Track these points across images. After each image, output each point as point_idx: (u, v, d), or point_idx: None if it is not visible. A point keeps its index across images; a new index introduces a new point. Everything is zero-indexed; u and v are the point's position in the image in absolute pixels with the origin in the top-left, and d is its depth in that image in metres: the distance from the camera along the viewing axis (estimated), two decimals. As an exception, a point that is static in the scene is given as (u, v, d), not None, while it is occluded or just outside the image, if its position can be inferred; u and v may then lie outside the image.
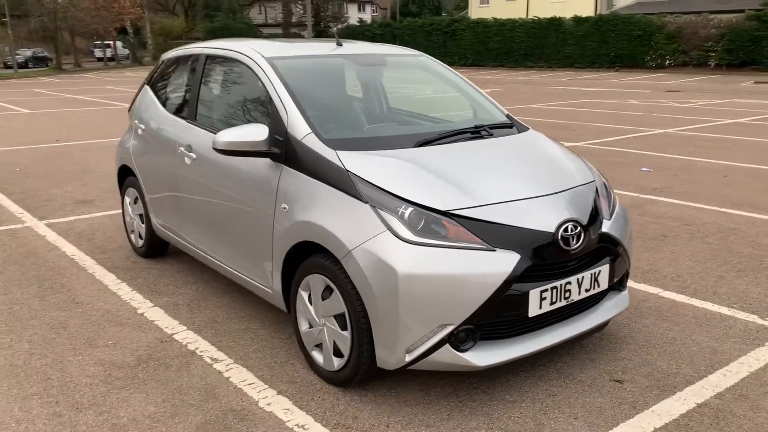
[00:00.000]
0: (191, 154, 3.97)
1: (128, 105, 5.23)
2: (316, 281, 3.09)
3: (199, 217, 4.01)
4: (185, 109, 4.23)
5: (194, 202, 4.03)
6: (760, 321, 3.80)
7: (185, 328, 3.79)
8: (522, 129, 3.81)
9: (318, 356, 3.20)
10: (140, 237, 4.97)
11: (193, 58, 4.33)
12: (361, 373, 2.96)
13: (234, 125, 3.75)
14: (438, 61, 4.41)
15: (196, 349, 3.53)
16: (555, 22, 33.50)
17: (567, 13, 34.47)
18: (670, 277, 4.53)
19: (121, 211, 5.42)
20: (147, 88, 4.84)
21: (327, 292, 3.05)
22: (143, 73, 35.64)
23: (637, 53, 30.86)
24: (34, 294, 4.33)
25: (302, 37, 49.69)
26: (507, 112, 4.03)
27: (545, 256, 2.86)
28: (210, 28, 50.21)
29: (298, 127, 3.27)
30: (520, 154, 3.47)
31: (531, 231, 2.85)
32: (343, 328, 2.98)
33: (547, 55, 34.07)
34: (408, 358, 2.77)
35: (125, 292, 4.35)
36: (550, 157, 3.46)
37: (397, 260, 2.70)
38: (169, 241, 4.65)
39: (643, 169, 8.33)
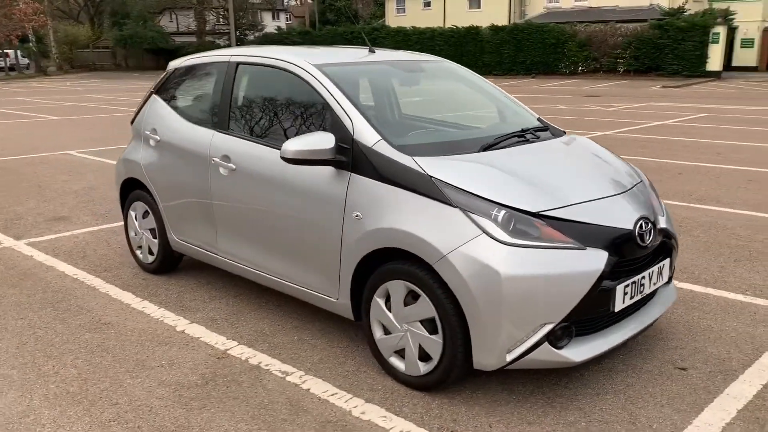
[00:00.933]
0: (229, 164, 3.87)
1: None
2: (397, 287, 3.09)
3: (240, 230, 3.91)
4: (214, 119, 4.11)
5: (233, 214, 3.92)
6: (777, 306, 4.10)
7: (236, 343, 3.68)
8: (558, 132, 3.95)
9: (398, 363, 3.20)
10: (150, 253, 4.77)
11: (218, 66, 4.21)
12: (454, 376, 2.99)
13: (282, 134, 3.71)
14: (461, 66, 4.50)
15: (259, 363, 3.44)
16: (473, 31, 34.45)
17: (483, 22, 35.51)
18: (678, 269, 4.80)
19: (123, 225, 5.17)
20: (157, 97, 4.66)
21: (410, 297, 3.06)
22: (51, 84, 33.84)
23: (551, 60, 32.21)
24: (53, 317, 4.07)
25: (219, 45, 48.68)
26: (538, 116, 4.17)
27: (625, 253, 3.00)
28: (119, 36, 48.36)
29: (367, 135, 3.26)
30: (576, 155, 3.60)
31: (613, 229, 2.98)
32: (432, 332, 3.00)
33: (467, 63, 34.83)
34: (509, 358, 2.83)
35: (152, 310, 4.17)
36: (603, 159, 3.62)
37: (499, 262, 2.75)
38: (191, 256, 4.49)
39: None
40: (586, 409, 2.96)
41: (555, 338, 2.85)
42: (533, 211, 2.89)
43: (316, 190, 3.40)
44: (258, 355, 3.53)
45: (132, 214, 4.87)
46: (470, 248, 2.80)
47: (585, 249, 2.87)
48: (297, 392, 3.14)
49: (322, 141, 3.25)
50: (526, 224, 2.85)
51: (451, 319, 2.88)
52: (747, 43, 33.74)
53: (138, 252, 4.91)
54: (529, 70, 32.75)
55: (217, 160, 3.95)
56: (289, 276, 3.68)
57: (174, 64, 4.69)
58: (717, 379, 3.22)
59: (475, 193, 2.92)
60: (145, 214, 4.73)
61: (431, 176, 3.01)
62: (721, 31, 28.49)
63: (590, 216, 2.98)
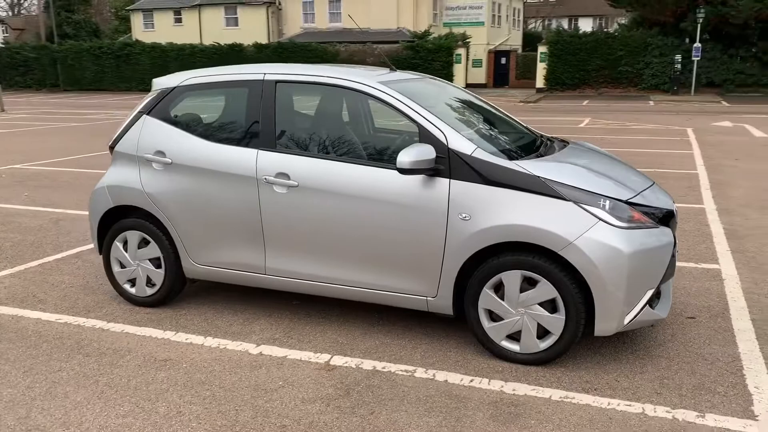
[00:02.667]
0: (289, 182, 3.88)
1: None
2: (513, 277, 3.51)
3: (302, 245, 3.92)
4: (254, 138, 4.03)
5: (293, 231, 3.92)
6: (699, 265, 5.30)
7: (328, 354, 3.73)
8: (556, 140, 4.65)
9: (511, 345, 3.61)
10: (149, 284, 4.43)
11: (247, 84, 4.11)
12: (570, 347, 3.50)
13: (360, 148, 3.88)
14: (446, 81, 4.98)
15: (374, 367, 3.57)
16: (236, 48, 34.38)
17: (242, 40, 35.60)
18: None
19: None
20: (152, 119, 4.34)
21: (526, 284, 3.51)
22: None
23: (317, 78, 33.52)
24: (97, 363, 3.66)
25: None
26: (526, 125, 4.84)
27: (672, 228, 3.80)
28: None
29: (463, 145, 3.62)
30: (606, 156, 4.31)
31: (666, 210, 3.76)
32: (552, 311, 3.48)
33: (232, 80, 34.74)
34: (626, 321, 3.44)
35: (201, 340, 3.96)
36: (618, 159, 4.40)
37: (620, 243, 3.35)
38: (216, 280, 4.30)
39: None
40: (666, 356, 3.69)
41: (651, 300, 3.53)
42: (624, 199, 3.55)
43: (410, 198, 3.64)
44: (363, 361, 3.65)
45: (118, 245, 4.46)
46: (593, 234, 3.36)
47: (658, 227, 3.60)
48: (439, 385, 3.38)
49: (428, 152, 3.54)
50: (623, 211, 3.49)
51: (575, 296, 3.40)
52: (477, 63, 38.67)
53: (127, 286, 4.51)
54: (296, 88, 33.68)
55: (270, 178, 3.93)
56: (370, 283, 3.83)
57: (170, 82, 4.41)
58: (719, 320, 4.19)
59: (581, 188, 3.48)
60: (143, 244, 4.39)
61: (538, 176, 3.50)
62: (462, 52, 32.47)
63: (650, 201, 3.72)
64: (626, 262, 3.34)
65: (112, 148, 4.52)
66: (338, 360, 3.67)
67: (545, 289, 3.46)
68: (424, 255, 3.67)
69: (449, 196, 3.59)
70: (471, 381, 3.43)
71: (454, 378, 3.45)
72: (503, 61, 38.53)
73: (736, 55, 27.73)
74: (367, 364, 3.61)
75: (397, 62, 32.30)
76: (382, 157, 3.87)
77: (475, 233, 3.53)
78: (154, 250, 4.36)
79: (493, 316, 3.64)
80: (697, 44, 26.74)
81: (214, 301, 4.59)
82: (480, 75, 38.74)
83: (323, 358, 3.70)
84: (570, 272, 3.42)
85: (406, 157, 3.49)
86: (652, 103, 24.77)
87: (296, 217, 3.92)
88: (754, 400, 3.20)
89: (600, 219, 3.40)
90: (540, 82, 31.56)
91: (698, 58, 27.00)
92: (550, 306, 3.49)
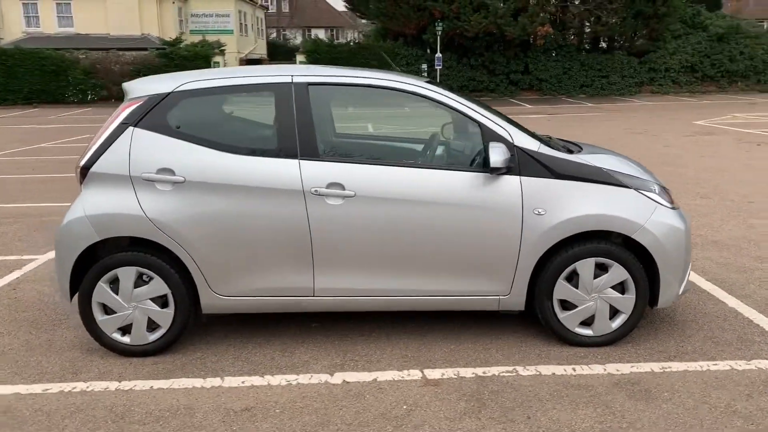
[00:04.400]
0: (345, 192, 3.55)
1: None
2: (587, 265, 3.68)
3: (362, 259, 3.61)
4: (290, 146, 3.57)
5: (352, 245, 3.59)
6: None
7: (416, 370, 3.51)
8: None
9: (584, 330, 3.77)
10: (151, 329, 3.68)
11: (272, 87, 3.62)
12: (638, 323, 3.79)
13: (424, 153, 3.73)
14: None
15: (475, 374, 3.46)
16: (-56, 55, 29.04)
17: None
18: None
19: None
20: (144, 132, 3.57)
21: (599, 270, 3.70)
22: None
23: (55, 89, 29.84)
24: (169, 430, 2.96)
25: None
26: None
27: (669, 208, 4.31)
28: None
29: (528, 142, 3.68)
30: (608, 150, 4.64)
31: (667, 190, 4.26)
32: (622, 292, 3.73)
33: (-63, 92, 29.35)
34: (680, 291, 3.82)
35: (260, 380, 3.43)
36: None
37: (677, 222, 3.73)
38: (244, 312, 3.73)
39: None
40: (690, 319, 4.17)
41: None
42: (661, 185, 3.93)
43: (481, 198, 3.59)
44: (459, 370, 3.51)
45: (104, 287, 3.63)
46: (657, 216, 3.68)
47: (678, 208, 4.07)
48: (553, 378, 3.42)
49: (506, 150, 3.54)
50: (666, 194, 3.88)
51: (643, 276, 3.69)
52: (228, 72, 37.96)
53: (117, 335, 3.70)
54: (29, 100, 29.65)
55: (322, 189, 3.55)
56: (439, 290, 3.69)
57: (161, 87, 3.67)
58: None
59: (636, 176, 3.79)
60: (142, 281, 3.64)
61: (601, 167, 3.71)
62: (221, 60, 31.58)
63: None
64: (683, 238, 3.73)
65: (86, 168, 3.64)
66: (432, 373, 3.48)
67: (618, 273, 3.69)
68: (498, 254, 3.65)
69: (522, 192, 3.62)
70: (574, 370, 3.52)
71: (558, 370, 3.51)
72: (255, 69, 38.40)
73: (468, 64, 31.21)
74: (465, 372, 3.49)
75: (151, 70, 30.21)
76: (443, 158, 3.75)
77: (552, 227, 3.61)
78: (159, 286, 3.64)
79: (566, 305, 3.76)
80: (439, 54, 29.57)
81: (218, 338, 3.97)
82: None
83: (414, 374, 3.48)
84: (636, 254, 3.70)
85: (498, 156, 3.46)
86: (407, 108, 26.71)
87: (355, 229, 3.60)
88: (787, 343, 3.82)
89: (658, 203, 3.73)
90: (300, 90, 32.04)
91: (440, 67, 29.88)
92: (620, 288, 3.73)
